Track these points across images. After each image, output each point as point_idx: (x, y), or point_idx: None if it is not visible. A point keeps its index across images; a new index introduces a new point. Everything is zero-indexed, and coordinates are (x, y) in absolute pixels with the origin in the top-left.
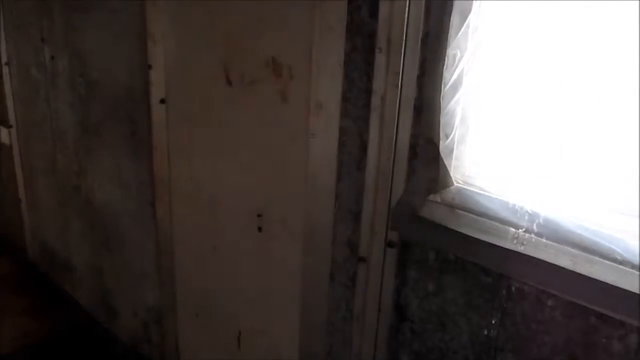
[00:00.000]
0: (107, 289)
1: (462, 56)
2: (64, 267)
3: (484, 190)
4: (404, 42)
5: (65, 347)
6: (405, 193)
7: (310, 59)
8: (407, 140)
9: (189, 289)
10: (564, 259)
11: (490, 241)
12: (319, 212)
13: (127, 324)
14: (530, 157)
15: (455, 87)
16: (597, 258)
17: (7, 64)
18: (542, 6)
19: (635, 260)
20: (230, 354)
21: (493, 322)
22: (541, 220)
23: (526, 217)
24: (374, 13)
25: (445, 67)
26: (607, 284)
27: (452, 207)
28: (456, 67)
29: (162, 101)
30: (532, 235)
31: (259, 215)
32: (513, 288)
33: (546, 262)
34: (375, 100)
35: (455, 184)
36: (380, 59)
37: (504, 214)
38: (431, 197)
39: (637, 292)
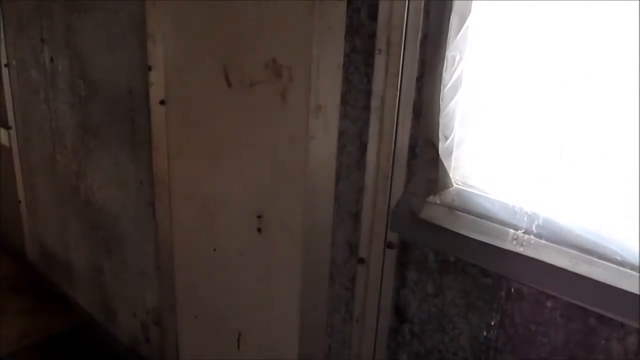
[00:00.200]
0: (106, 289)
1: (461, 57)
2: (63, 268)
3: (483, 192)
4: (403, 44)
5: (64, 348)
6: (404, 194)
7: (310, 61)
8: (406, 141)
9: (189, 289)
10: (564, 260)
11: (489, 242)
12: (318, 213)
13: (126, 325)
14: (530, 158)
15: (455, 88)
16: (596, 259)
17: (6, 65)
18: (541, 7)
19: (635, 261)
20: (230, 355)
21: (492, 323)
22: (540, 222)
23: (525, 218)
24: (373, 14)
25: (444, 68)
26: (606, 285)
27: (451, 208)
28: (455, 68)
29: (162, 102)
30: (532, 237)
31: (258, 217)
32: (512, 289)
33: (545, 263)
34: (374, 102)
35: (454, 185)
36: (379, 61)
37: (503, 215)
38: (430, 198)
39: (637, 293)
